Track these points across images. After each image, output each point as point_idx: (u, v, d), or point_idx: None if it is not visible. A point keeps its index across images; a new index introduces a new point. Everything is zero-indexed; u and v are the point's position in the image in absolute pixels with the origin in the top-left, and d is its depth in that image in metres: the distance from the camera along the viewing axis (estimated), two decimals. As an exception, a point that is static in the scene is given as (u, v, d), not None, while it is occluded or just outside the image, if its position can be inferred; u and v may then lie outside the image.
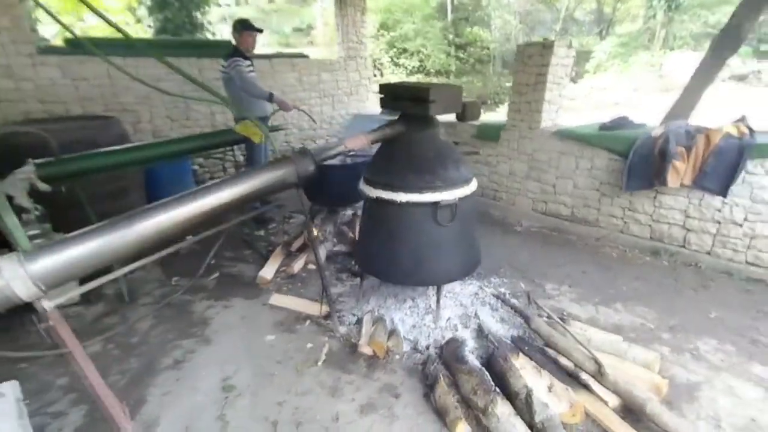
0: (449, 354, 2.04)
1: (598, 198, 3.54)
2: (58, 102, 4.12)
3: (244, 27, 3.90)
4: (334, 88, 6.09)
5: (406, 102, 2.15)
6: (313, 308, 2.62)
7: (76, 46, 4.19)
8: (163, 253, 1.79)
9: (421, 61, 18.03)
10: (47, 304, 1.32)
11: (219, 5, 17.07)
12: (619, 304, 2.65)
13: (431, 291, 2.62)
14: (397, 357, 2.19)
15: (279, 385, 2.03)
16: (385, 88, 2.28)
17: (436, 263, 2.24)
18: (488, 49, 18.44)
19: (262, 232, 4.00)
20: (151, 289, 3.04)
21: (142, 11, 6.29)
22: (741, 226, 2.83)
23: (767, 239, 2.74)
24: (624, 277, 2.98)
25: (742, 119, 2.92)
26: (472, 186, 2.24)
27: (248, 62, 3.91)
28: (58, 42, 4.29)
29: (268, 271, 3.10)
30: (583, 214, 3.69)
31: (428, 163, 2.12)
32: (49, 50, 4.01)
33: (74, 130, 3.44)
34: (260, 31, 4.10)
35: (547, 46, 3.56)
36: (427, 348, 2.20)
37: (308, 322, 2.54)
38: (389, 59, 17.36)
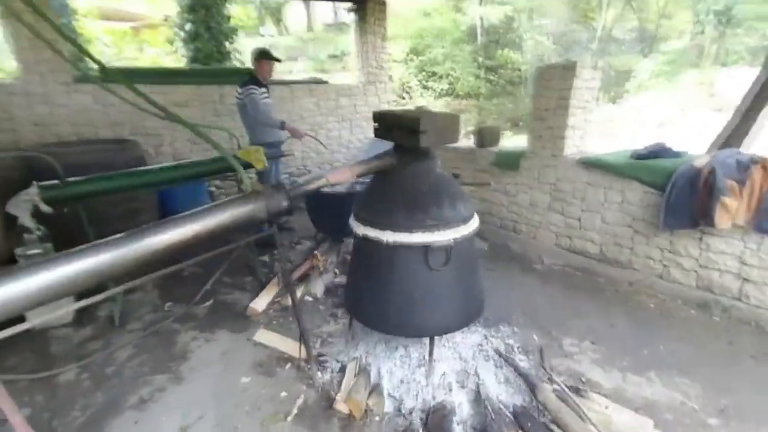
0: (434, 425, 1.74)
1: (630, 236, 3.12)
2: (90, 126, 4.29)
3: (262, 56, 3.93)
4: (352, 113, 6.03)
5: (397, 132, 1.95)
6: (297, 349, 2.40)
7: (110, 74, 4.37)
8: (118, 289, 1.66)
9: (450, 84, 17.98)
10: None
11: (262, 35, 17.98)
12: (653, 373, 2.20)
13: (427, 339, 2.33)
14: (377, 419, 1.90)
15: (239, 442, 1.81)
16: (378, 117, 2.10)
17: (428, 313, 1.97)
18: (519, 70, 18.12)
19: (266, 258, 3.88)
20: (144, 313, 2.96)
21: (179, 43, 6.65)
22: None
23: None
24: (662, 335, 2.53)
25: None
26: (472, 225, 1.98)
27: (263, 89, 3.91)
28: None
29: (260, 303, 2.93)
30: (614, 254, 3.27)
31: (420, 200, 1.89)
32: (83, 79, 4.20)
33: (90, 153, 3.53)
34: (278, 60, 4.12)
35: (568, 68, 3.27)
36: (411, 412, 1.91)
37: (289, 365, 2.32)
38: (418, 82, 17.43)
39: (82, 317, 2.85)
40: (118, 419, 1.94)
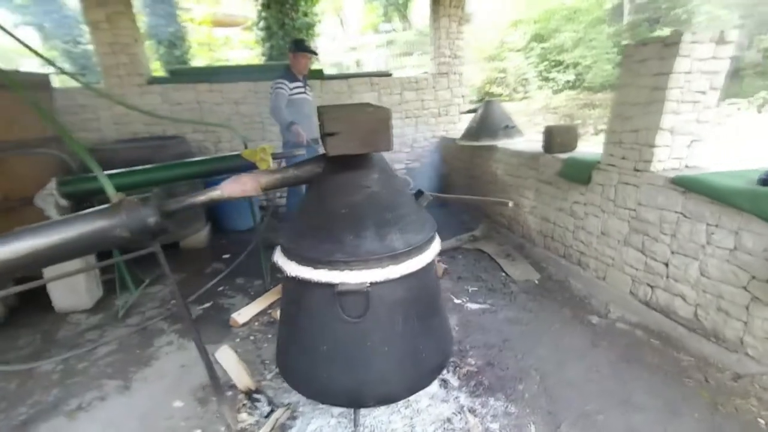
0: None
1: (745, 303, 2.03)
2: (159, 124, 4.69)
3: (298, 48, 3.73)
4: (419, 109, 5.49)
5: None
6: (246, 377, 2.12)
7: (175, 75, 4.74)
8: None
9: (578, 74, 15.63)
10: None
11: (378, 32, 18.28)
12: None
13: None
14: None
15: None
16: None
17: (347, 376, 1.47)
18: None
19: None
20: (150, 308, 3.04)
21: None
22: None
23: None
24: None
25: None
26: (408, 266, 1.39)
27: (297, 84, 3.72)
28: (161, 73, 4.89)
29: (245, 313, 2.75)
30: (715, 325, 2.19)
31: (334, 224, 1.40)
32: (154, 80, 4.61)
33: (137, 150, 3.81)
34: (314, 53, 3.87)
35: (669, 43, 2.25)
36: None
37: (230, 393, 2.05)
38: (537, 73, 15.58)
39: (99, 305, 3.05)
40: (45, 425, 1.92)
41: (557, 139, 3.38)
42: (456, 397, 1.94)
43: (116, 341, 2.57)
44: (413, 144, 5.65)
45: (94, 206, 1.36)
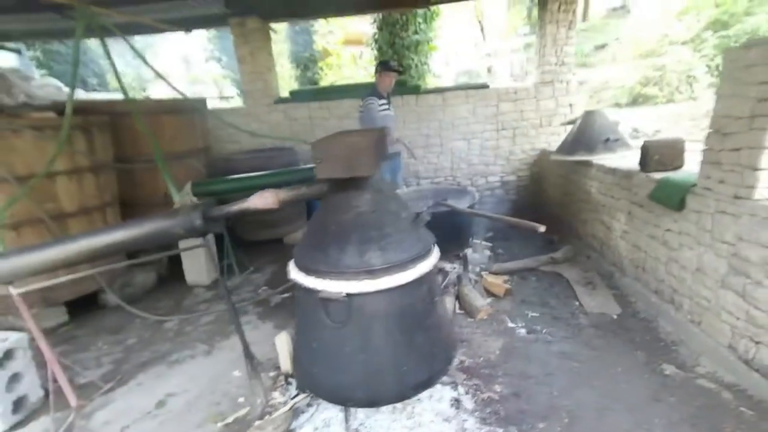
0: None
1: None
2: (281, 137, 5.57)
3: (384, 68, 4.05)
4: (517, 120, 5.24)
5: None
6: (288, 364, 2.48)
7: (294, 96, 5.58)
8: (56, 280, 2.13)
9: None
10: (12, 290, 1.94)
11: (518, 35, 17.68)
12: None
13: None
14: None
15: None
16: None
17: (336, 375, 1.66)
18: None
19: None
20: (248, 290, 3.69)
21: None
22: None
23: None
24: None
25: None
26: (386, 281, 1.51)
27: (383, 101, 4.03)
28: (286, 95, 5.77)
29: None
30: (829, 402, 1.65)
31: (324, 238, 1.62)
32: (279, 100, 5.51)
33: (255, 159, 4.64)
34: (399, 71, 4.13)
35: (779, 45, 1.82)
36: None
37: (275, 373, 2.43)
38: (707, 69, 12.86)
39: (215, 283, 3.84)
40: (153, 368, 2.58)
41: (654, 155, 2.93)
42: (463, 420, 1.92)
43: (214, 314, 3.24)
44: (509, 156, 5.43)
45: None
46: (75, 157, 2.96)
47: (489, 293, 3.27)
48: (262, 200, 1.78)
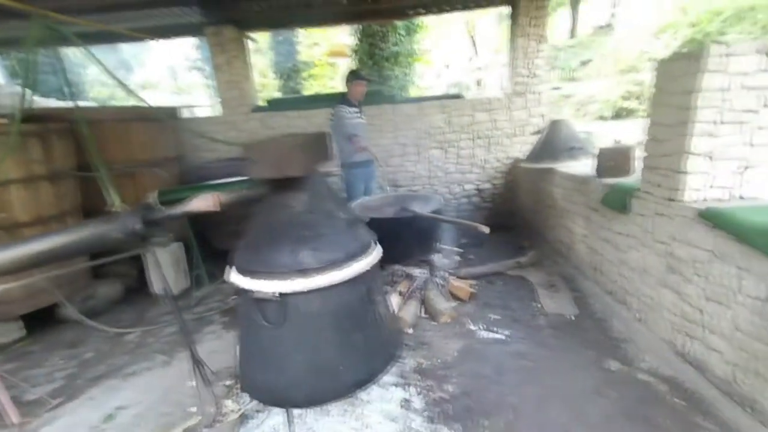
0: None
1: (780, 369, 1.59)
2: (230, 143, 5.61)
3: (354, 77, 4.14)
4: (491, 129, 5.37)
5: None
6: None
7: (272, 104, 5.66)
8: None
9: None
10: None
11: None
12: None
13: (344, 404, 1.98)
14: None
15: None
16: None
17: (274, 377, 1.70)
18: None
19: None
20: (217, 300, 3.70)
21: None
22: None
23: None
24: None
25: None
26: (318, 280, 1.57)
27: (353, 109, 4.12)
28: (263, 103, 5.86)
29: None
30: (752, 392, 1.74)
31: (258, 238, 1.67)
32: (257, 109, 5.59)
33: (226, 168, 4.67)
34: (369, 80, 4.23)
35: (692, 57, 1.94)
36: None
37: (230, 382, 2.44)
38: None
39: (184, 293, 3.84)
40: (108, 381, 2.56)
41: (608, 162, 3.05)
42: (411, 420, 1.97)
43: (178, 325, 3.24)
44: (484, 165, 5.55)
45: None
46: (30, 165, 2.96)
47: (454, 297, 3.33)
48: (203, 202, 1.84)
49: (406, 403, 2.08)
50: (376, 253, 1.79)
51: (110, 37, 5.45)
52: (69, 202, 3.37)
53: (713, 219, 1.85)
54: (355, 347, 1.67)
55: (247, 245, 1.71)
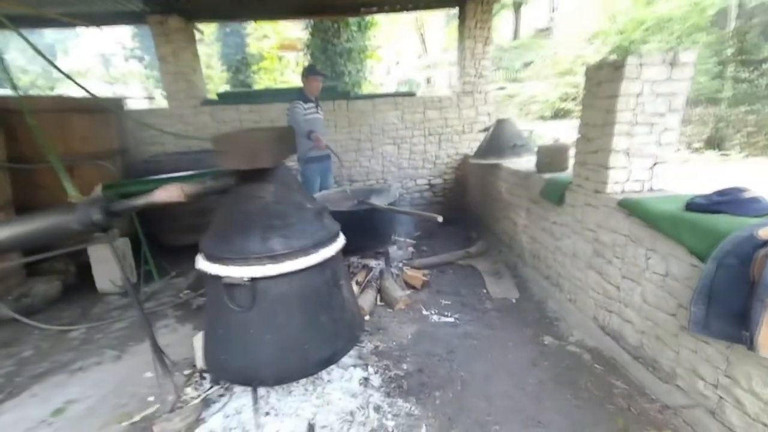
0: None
1: (675, 331, 1.92)
2: (208, 138, 5.48)
3: (310, 72, 4.17)
4: (442, 126, 5.64)
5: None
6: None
7: (223, 98, 5.52)
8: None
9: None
10: None
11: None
12: None
13: (307, 384, 2.08)
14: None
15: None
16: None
17: (241, 357, 1.76)
18: None
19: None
20: (168, 295, 3.59)
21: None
22: None
23: None
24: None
25: None
26: (287, 265, 1.65)
27: (309, 104, 4.14)
28: (213, 96, 5.70)
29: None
30: (655, 353, 2.07)
31: (228, 227, 1.72)
32: (206, 102, 5.42)
33: (182, 161, 4.53)
34: (324, 75, 4.29)
35: (617, 67, 2.24)
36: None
37: (190, 371, 2.44)
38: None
39: (135, 288, 3.70)
40: (53, 378, 2.45)
41: (547, 159, 3.36)
42: (369, 395, 2.10)
43: (128, 320, 3.14)
44: (435, 161, 5.81)
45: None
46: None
47: (408, 285, 3.51)
48: (167, 193, 1.84)
49: (365, 381, 2.21)
50: (340, 240, 1.90)
51: (38, 22, 5.02)
52: (3, 196, 3.13)
53: (629, 207, 2.16)
54: (321, 328, 1.78)
55: (216, 234, 1.75)
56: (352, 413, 1.97)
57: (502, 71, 18.03)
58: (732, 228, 1.53)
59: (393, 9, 5.72)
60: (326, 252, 1.77)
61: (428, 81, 20.06)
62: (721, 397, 1.69)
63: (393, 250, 3.99)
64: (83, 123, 3.90)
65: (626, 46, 14.96)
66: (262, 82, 10.32)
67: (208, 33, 9.22)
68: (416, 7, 5.68)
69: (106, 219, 1.75)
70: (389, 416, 1.97)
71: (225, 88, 9.50)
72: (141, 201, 1.84)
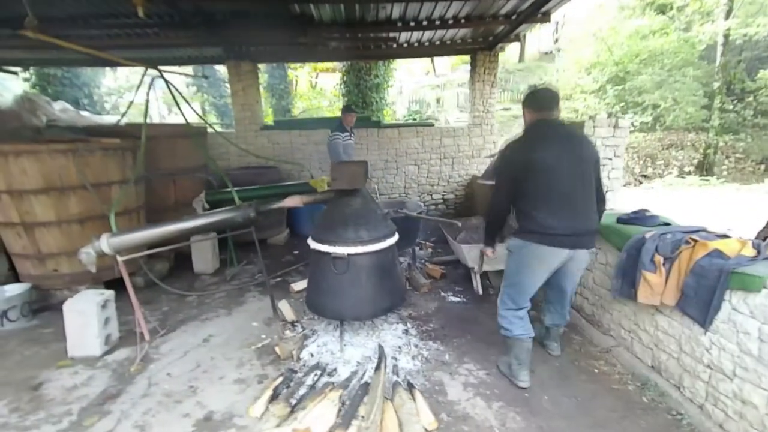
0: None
1: (611, 301, 2.99)
2: (265, 157, 6.66)
3: (348, 110, 5.39)
4: (455, 152, 6.79)
5: (335, 178, 2.94)
6: (292, 316, 3.59)
7: (278, 124, 6.75)
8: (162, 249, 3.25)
9: (657, 116, 15.37)
10: (119, 258, 2.93)
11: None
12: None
13: (369, 330, 3.18)
14: (293, 361, 2.91)
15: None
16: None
17: (338, 303, 2.86)
18: None
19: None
20: (245, 277, 4.72)
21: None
22: (731, 380, 1.99)
23: (756, 411, 1.85)
24: (575, 392, 2.52)
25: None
26: (369, 247, 2.76)
27: (346, 134, 5.34)
28: (270, 121, 6.92)
29: (297, 285, 4.25)
30: (599, 317, 3.13)
31: (334, 223, 2.83)
32: (264, 127, 6.65)
33: (246, 175, 5.71)
34: (357, 113, 5.49)
35: (580, 126, 3.36)
36: (318, 364, 2.83)
37: (281, 323, 3.53)
38: (607, 115, 15.60)
39: (216, 272, 4.84)
40: (192, 322, 3.59)
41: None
42: (410, 338, 3.18)
43: (225, 292, 4.27)
44: (449, 179, 6.94)
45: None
46: (125, 170, 3.92)
47: (429, 276, 4.60)
48: (292, 201, 2.98)
49: (405, 332, 3.29)
50: (396, 235, 3.01)
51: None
52: (141, 200, 4.31)
53: (584, 220, 3.25)
54: (385, 287, 2.88)
55: (324, 227, 2.87)
56: (399, 347, 3.05)
57: (507, 93, 19.01)
58: (635, 232, 2.62)
59: (417, 56, 6.94)
60: (390, 241, 2.88)
61: (438, 101, 21.33)
62: (632, 338, 2.75)
63: (417, 250, 5.10)
64: (183, 144, 5.09)
65: (621, 77, 16.13)
66: (298, 107, 11.71)
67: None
68: (436, 55, 6.91)
69: (257, 216, 2.88)
70: (424, 350, 3.05)
71: (269, 112, 10.90)
72: (276, 205, 2.98)
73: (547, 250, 2.31)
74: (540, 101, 2.38)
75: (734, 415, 1.98)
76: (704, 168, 13.28)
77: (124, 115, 4.79)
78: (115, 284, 3.59)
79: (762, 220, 3.14)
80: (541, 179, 2.24)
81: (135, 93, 4.12)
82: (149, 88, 3.90)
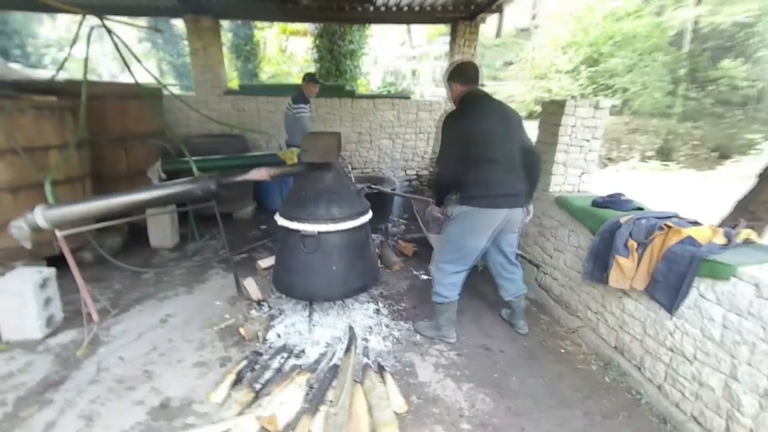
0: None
1: (581, 283, 3.02)
2: (229, 125, 6.23)
3: (309, 79, 5.02)
4: (431, 127, 6.63)
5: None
6: (258, 295, 3.43)
7: (243, 89, 6.30)
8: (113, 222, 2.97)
9: (626, 100, 15.75)
10: (58, 233, 2.63)
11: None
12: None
13: (339, 310, 3.07)
14: (259, 343, 2.77)
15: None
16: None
17: (307, 283, 2.72)
18: (741, 88, 14.43)
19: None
20: (207, 253, 4.47)
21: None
22: (691, 363, 2.05)
23: (713, 393, 1.92)
24: (541, 372, 2.56)
25: (740, 223, 2.10)
26: (341, 225, 2.61)
27: (308, 106, 5.00)
28: (234, 86, 6.45)
29: (265, 262, 4.07)
30: (568, 298, 3.17)
31: (305, 199, 2.65)
32: (228, 92, 6.18)
33: (209, 144, 5.32)
34: (321, 83, 5.12)
35: (561, 105, 3.28)
36: (285, 346, 2.71)
37: (246, 302, 3.36)
38: (581, 97, 15.83)
39: (176, 247, 4.55)
40: (148, 301, 3.35)
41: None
42: (381, 318, 3.11)
43: (185, 269, 4.02)
44: (424, 155, 6.80)
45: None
46: (63, 133, 3.49)
47: (402, 254, 4.52)
48: (258, 174, 2.75)
49: (376, 311, 3.22)
50: (370, 213, 2.87)
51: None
52: (87, 167, 3.89)
53: (560, 202, 3.23)
54: (357, 267, 2.75)
55: (293, 203, 2.67)
56: (370, 327, 2.98)
57: (483, 68, 18.87)
58: (610, 216, 2.61)
59: (395, 21, 6.60)
60: (363, 219, 2.74)
61: (413, 73, 20.85)
62: (598, 319, 2.80)
63: (390, 227, 4.99)
64: (136, 107, 4.64)
65: (595, 58, 16.30)
66: (265, 71, 10.99)
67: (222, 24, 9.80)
68: (415, 22, 6.59)
69: (218, 188, 2.65)
70: (395, 330, 2.99)
71: (234, 76, 10.15)
72: (239, 177, 2.74)
73: (492, 212, 2.50)
74: (468, 74, 2.58)
75: (690, 396, 2.04)
76: (664, 153, 13.83)
77: (60, 69, 4.23)
78: (59, 260, 3.28)
79: (721, 207, 3.24)
80: (482, 144, 2.43)
81: (71, 45, 3.61)
82: (88, 39, 3.44)
